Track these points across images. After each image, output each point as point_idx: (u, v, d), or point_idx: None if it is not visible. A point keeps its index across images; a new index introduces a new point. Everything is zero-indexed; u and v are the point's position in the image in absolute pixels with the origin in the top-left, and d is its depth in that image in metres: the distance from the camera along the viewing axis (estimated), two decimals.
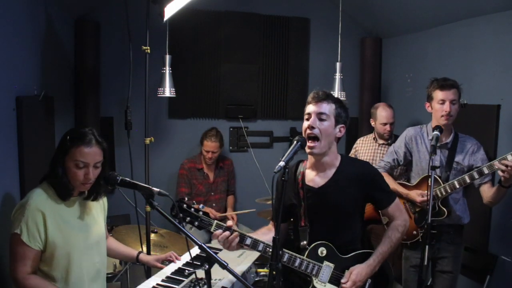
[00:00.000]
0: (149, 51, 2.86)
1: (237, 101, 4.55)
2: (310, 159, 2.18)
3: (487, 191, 2.66)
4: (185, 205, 1.95)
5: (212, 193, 4.22)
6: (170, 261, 2.37)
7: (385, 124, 3.72)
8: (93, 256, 2.03)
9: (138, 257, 2.32)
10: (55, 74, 3.36)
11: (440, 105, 2.68)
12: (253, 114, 4.64)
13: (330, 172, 2.15)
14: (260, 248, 2.02)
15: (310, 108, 2.11)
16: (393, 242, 2.15)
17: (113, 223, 3.50)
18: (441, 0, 3.51)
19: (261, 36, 4.56)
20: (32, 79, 2.78)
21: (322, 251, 2.10)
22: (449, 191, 2.63)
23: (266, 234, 2.20)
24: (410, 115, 4.22)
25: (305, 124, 2.11)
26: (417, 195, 2.75)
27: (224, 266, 1.69)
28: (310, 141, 2.07)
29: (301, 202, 2.15)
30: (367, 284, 2.10)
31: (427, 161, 2.64)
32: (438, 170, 2.63)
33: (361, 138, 4.01)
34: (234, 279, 2.18)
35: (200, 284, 2.04)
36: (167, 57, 3.42)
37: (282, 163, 1.79)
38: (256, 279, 2.73)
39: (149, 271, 2.76)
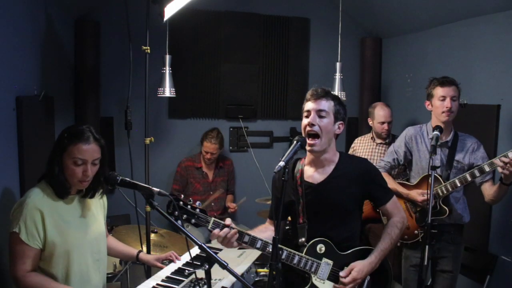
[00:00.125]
0: (149, 51, 2.87)
1: (237, 101, 4.55)
2: (309, 156, 2.18)
3: (488, 189, 2.66)
4: (181, 202, 1.93)
5: (211, 193, 4.22)
6: (170, 261, 2.36)
7: (383, 123, 3.74)
8: (93, 253, 2.03)
9: (138, 256, 2.32)
10: (55, 74, 3.36)
11: (441, 102, 2.68)
12: (253, 114, 4.64)
13: (329, 169, 2.15)
14: (258, 245, 2.02)
15: (309, 105, 2.11)
16: (393, 238, 2.16)
17: (113, 223, 3.50)
18: (441, 0, 3.51)
19: (261, 36, 4.56)
20: (32, 79, 2.78)
21: (321, 248, 2.10)
22: (450, 189, 2.63)
23: (263, 232, 2.20)
24: (410, 115, 4.22)
25: (305, 121, 2.11)
26: (418, 194, 2.75)
27: (224, 266, 1.69)
28: (310, 138, 2.07)
29: (299, 199, 2.15)
30: (366, 281, 2.10)
31: (427, 160, 2.64)
32: (438, 169, 2.63)
33: (359, 138, 4.03)
34: (234, 279, 2.18)
35: (200, 284, 2.04)
36: (167, 57, 3.43)
37: (282, 163, 1.79)
38: (256, 279, 2.73)
39: (149, 271, 2.76)
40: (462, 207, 2.78)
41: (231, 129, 4.63)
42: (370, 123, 3.86)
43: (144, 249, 2.78)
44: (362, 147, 3.91)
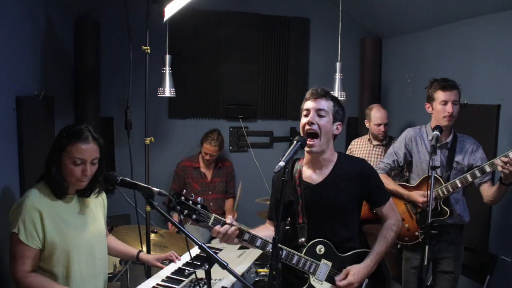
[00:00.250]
0: (149, 51, 2.86)
1: (237, 101, 4.55)
2: (307, 156, 2.18)
3: (487, 190, 2.66)
4: (183, 198, 1.93)
5: (210, 193, 4.22)
6: (170, 261, 2.36)
7: (379, 125, 3.77)
8: (93, 253, 2.03)
9: (138, 256, 2.32)
10: (55, 74, 3.36)
11: (442, 106, 2.67)
12: (253, 114, 4.64)
13: (327, 169, 2.15)
14: (258, 243, 2.02)
15: (309, 104, 2.11)
16: (389, 241, 2.16)
17: (113, 223, 3.50)
18: (441, 0, 3.51)
19: (261, 36, 4.56)
20: (32, 79, 2.78)
21: (320, 249, 2.10)
22: (451, 190, 2.63)
23: (263, 232, 2.19)
24: (410, 115, 4.22)
25: (304, 120, 2.10)
26: (418, 195, 2.74)
27: (224, 266, 1.69)
28: (309, 139, 2.07)
29: (299, 199, 2.15)
30: (364, 284, 2.10)
31: (427, 162, 2.64)
32: (438, 170, 2.63)
33: (356, 139, 4.05)
34: (234, 279, 2.17)
35: (200, 284, 2.04)
36: (167, 57, 3.43)
37: (282, 163, 1.79)
38: (256, 279, 2.73)
39: (149, 271, 2.76)
40: (462, 208, 2.78)
41: (231, 129, 4.63)
42: (367, 124, 3.89)
43: (144, 249, 2.78)
44: (359, 148, 3.93)
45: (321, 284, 2.08)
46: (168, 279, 2.29)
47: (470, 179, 2.57)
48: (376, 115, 3.77)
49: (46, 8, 3.06)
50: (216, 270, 1.81)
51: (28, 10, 2.71)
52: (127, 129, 2.88)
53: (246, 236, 2.01)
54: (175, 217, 3.82)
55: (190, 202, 1.93)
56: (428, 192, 2.45)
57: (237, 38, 4.48)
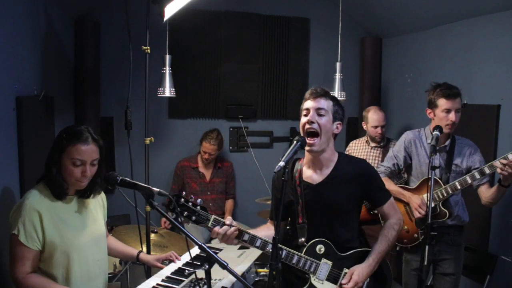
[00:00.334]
0: (149, 51, 2.86)
1: (237, 101, 4.55)
2: (308, 156, 2.18)
3: (485, 192, 2.66)
4: (182, 199, 1.94)
5: (209, 193, 4.22)
6: (170, 261, 2.36)
7: (376, 127, 3.78)
8: (93, 253, 2.03)
9: (138, 256, 2.32)
10: (55, 74, 3.36)
11: (445, 114, 2.66)
12: (253, 114, 4.64)
13: (328, 169, 2.15)
14: (258, 244, 2.02)
15: (309, 103, 2.11)
16: (390, 240, 2.16)
17: (113, 223, 3.50)
18: (441, 0, 3.51)
19: (261, 36, 4.56)
20: (32, 79, 2.78)
21: (320, 249, 2.10)
22: (450, 192, 2.63)
23: (265, 232, 2.20)
24: (410, 115, 4.22)
25: (304, 119, 2.11)
26: (416, 203, 2.73)
27: (224, 266, 1.69)
28: (309, 138, 2.07)
29: (299, 199, 2.15)
30: (365, 283, 2.10)
31: (427, 164, 2.64)
32: (438, 173, 2.63)
33: (354, 141, 4.06)
34: (234, 279, 2.17)
35: (200, 284, 2.04)
36: (167, 57, 3.43)
37: (282, 163, 1.79)
38: (256, 279, 2.73)
39: (149, 271, 2.76)
40: (461, 209, 2.78)
41: (231, 129, 4.63)
42: (364, 126, 3.90)
43: (144, 249, 2.78)
44: (357, 150, 3.95)
45: (322, 283, 2.08)
46: (168, 279, 2.29)
47: (469, 181, 2.57)
48: (373, 117, 3.78)
49: (46, 8, 3.06)
50: (216, 270, 1.81)
51: (28, 10, 2.71)
52: (127, 129, 2.89)
53: (246, 237, 2.01)
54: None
55: (190, 204, 1.94)
56: (428, 194, 2.44)
57: (237, 38, 4.48)
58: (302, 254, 2.07)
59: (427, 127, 2.86)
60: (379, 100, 4.55)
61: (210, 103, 4.51)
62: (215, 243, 3.36)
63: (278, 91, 4.68)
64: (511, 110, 3.12)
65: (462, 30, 3.55)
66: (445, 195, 2.64)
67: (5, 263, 2.02)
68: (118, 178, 1.87)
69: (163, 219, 3.95)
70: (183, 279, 2.27)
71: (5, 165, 2.28)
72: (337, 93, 3.59)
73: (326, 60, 4.41)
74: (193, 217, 1.95)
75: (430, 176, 2.37)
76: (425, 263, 2.27)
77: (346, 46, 3.87)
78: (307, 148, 2.08)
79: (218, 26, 4.43)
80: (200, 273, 1.95)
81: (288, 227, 2.32)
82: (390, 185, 2.82)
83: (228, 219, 1.99)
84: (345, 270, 2.10)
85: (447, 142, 2.75)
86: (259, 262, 2.77)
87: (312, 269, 2.07)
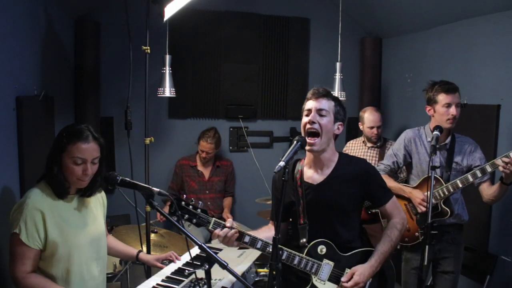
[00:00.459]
0: (149, 51, 2.86)
1: (237, 101, 4.55)
2: (309, 156, 2.18)
3: (486, 189, 2.66)
4: (183, 202, 1.94)
5: (207, 191, 4.23)
6: (170, 261, 2.36)
7: (372, 127, 3.80)
8: (93, 253, 2.03)
9: (138, 256, 2.32)
10: (55, 74, 3.36)
11: (445, 109, 2.67)
12: (253, 114, 4.64)
13: (328, 169, 2.15)
14: (258, 245, 2.03)
15: (310, 104, 2.11)
16: (393, 241, 2.15)
17: (113, 223, 3.50)
18: (441, 0, 3.51)
19: (261, 36, 4.56)
20: (32, 79, 2.78)
21: (322, 249, 2.10)
22: (451, 190, 2.63)
23: (266, 233, 2.20)
24: (410, 114, 4.22)
25: (305, 119, 2.11)
26: (419, 198, 2.73)
27: (224, 266, 1.69)
28: (310, 137, 2.07)
29: (300, 199, 2.15)
30: (368, 284, 2.10)
31: (427, 162, 2.64)
32: (438, 171, 2.63)
33: (351, 141, 4.08)
34: (234, 279, 2.18)
35: (200, 284, 2.04)
36: (167, 57, 3.43)
37: (282, 163, 1.79)
38: (256, 279, 2.73)
39: (149, 271, 2.76)
40: (461, 207, 2.79)
41: (231, 129, 4.63)
42: (361, 127, 3.92)
43: (144, 249, 2.78)
44: (354, 150, 3.96)
45: (324, 284, 2.08)
46: (168, 279, 2.29)
47: (471, 179, 2.57)
48: (369, 118, 3.80)
49: (46, 8, 3.06)
50: (216, 270, 1.81)
51: (28, 10, 2.71)
52: (127, 129, 2.89)
53: (247, 239, 2.02)
54: (166, 208, 3.89)
55: (191, 207, 1.95)
56: (428, 192, 2.45)
57: (237, 38, 4.48)
58: (303, 255, 2.07)
59: (426, 125, 2.86)
60: (379, 100, 4.55)
61: (210, 103, 4.51)
62: (215, 243, 3.36)
63: (278, 91, 4.68)
64: (511, 110, 3.12)
65: (462, 30, 3.55)
66: (446, 193, 2.64)
67: (5, 262, 2.01)
68: (118, 178, 1.87)
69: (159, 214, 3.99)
70: (183, 279, 2.27)
71: (5, 165, 2.28)
72: (337, 93, 3.59)
73: (326, 60, 4.41)
74: (194, 220, 1.96)
75: (430, 175, 2.38)
76: (425, 263, 2.27)
77: (346, 46, 3.87)
78: (307, 148, 2.08)
79: (218, 26, 4.43)
80: (200, 273, 1.96)
81: (289, 228, 2.32)
82: (390, 182, 2.82)
83: (228, 221, 2.00)
84: (347, 270, 2.10)
85: (447, 140, 2.75)
86: (259, 262, 2.78)
87: (313, 270, 2.07)
